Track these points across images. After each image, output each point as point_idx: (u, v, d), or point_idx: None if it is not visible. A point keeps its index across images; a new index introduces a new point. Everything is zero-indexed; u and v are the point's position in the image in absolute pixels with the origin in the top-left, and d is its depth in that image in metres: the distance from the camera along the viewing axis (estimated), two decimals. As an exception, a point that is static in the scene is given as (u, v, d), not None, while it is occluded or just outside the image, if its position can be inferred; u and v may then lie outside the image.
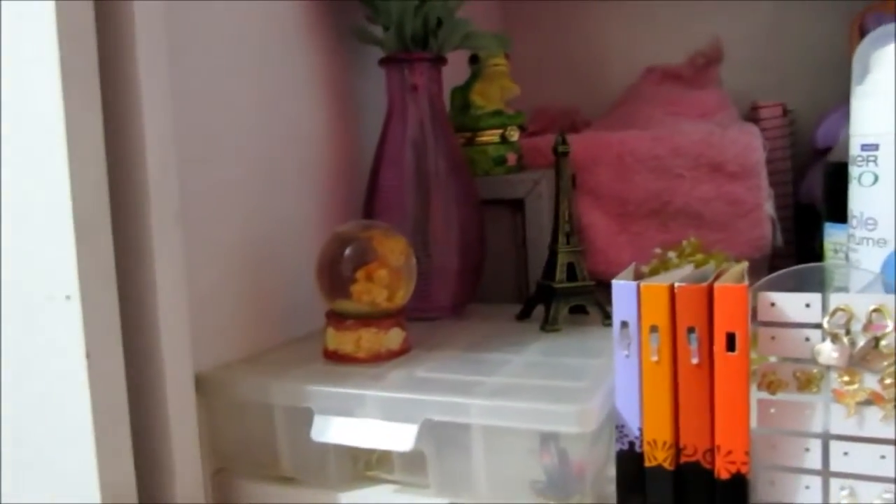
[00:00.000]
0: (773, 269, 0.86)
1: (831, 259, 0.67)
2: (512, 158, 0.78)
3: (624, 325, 0.43)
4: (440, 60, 0.67)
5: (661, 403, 0.42)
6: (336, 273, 0.54)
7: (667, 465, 0.43)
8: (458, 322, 0.66)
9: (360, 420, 0.47)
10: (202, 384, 0.52)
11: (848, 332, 0.42)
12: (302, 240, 0.64)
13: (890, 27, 0.59)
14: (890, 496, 0.41)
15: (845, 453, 0.42)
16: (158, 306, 0.47)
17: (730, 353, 0.41)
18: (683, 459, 0.43)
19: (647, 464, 0.43)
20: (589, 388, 0.46)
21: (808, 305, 0.43)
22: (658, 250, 0.78)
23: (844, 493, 0.42)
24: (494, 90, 0.78)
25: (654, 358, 0.42)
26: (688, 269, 0.49)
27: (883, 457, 0.41)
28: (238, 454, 0.52)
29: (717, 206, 0.82)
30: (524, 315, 0.65)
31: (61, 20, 0.41)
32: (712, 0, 1.07)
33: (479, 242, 0.69)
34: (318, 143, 0.67)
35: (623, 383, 0.44)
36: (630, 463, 0.44)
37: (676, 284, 0.42)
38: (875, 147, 0.56)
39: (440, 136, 0.67)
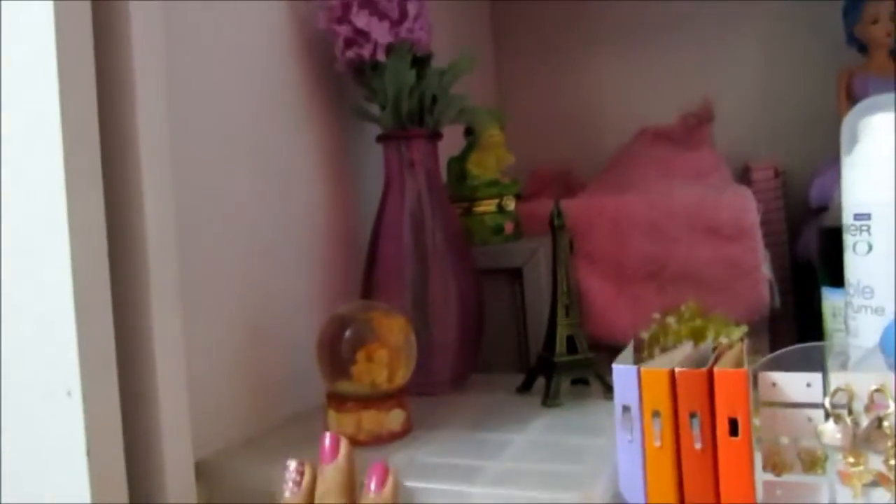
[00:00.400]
0: (772, 330, 0.86)
1: (830, 323, 0.67)
2: (509, 227, 0.79)
3: (626, 409, 0.43)
4: (436, 136, 0.68)
5: (666, 489, 0.42)
6: (336, 354, 0.54)
7: (674, 552, 0.42)
8: (459, 396, 0.66)
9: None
10: (203, 470, 0.51)
11: (850, 412, 0.42)
12: (300, 314, 0.64)
13: (876, 98, 0.60)
14: (901, 581, 0.41)
15: (853, 536, 0.42)
16: (159, 394, 0.47)
17: (733, 438, 0.41)
18: (690, 546, 0.42)
19: (654, 551, 0.43)
20: (591, 473, 0.45)
21: (809, 385, 0.43)
22: (657, 315, 0.78)
23: (855, 578, 0.42)
24: (490, 160, 0.80)
25: (658, 443, 0.42)
26: (686, 348, 0.49)
27: (892, 540, 0.41)
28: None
29: (714, 268, 0.82)
30: (525, 387, 0.65)
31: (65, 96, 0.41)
32: (705, 60, 1.09)
33: (478, 313, 0.69)
34: (316, 216, 0.68)
35: (626, 468, 0.44)
36: (637, 549, 0.43)
37: (677, 370, 0.42)
38: (867, 216, 0.57)
39: (437, 209, 0.67)
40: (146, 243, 0.47)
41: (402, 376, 0.55)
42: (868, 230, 0.57)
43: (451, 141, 0.82)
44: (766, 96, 1.05)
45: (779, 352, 0.50)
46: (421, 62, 0.67)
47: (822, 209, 0.89)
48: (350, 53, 0.64)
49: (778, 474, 0.43)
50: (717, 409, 0.41)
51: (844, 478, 0.42)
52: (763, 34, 1.05)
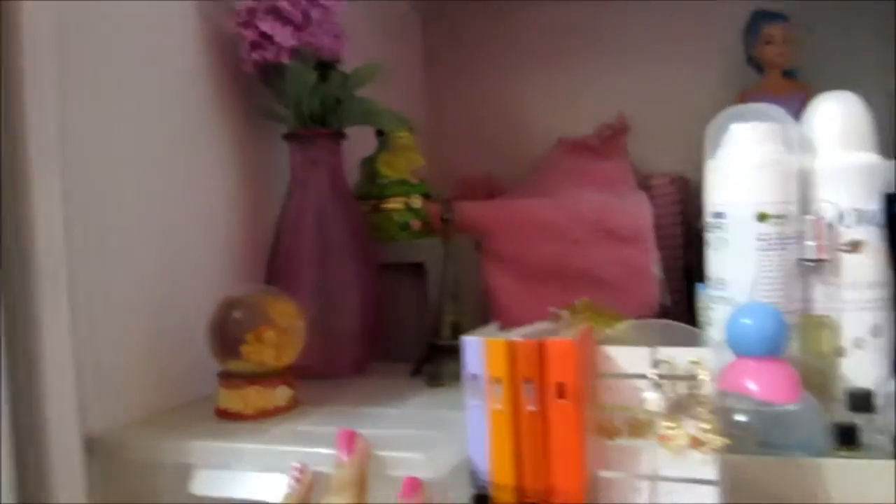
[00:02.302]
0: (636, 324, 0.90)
1: (703, 316, 0.72)
2: (416, 224, 0.83)
3: (474, 377, 0.48)
4: (340, 136, 0.72)
5: (505, 449, 0.47)
6: (226, 334, 0.58)
7: (512, 508, 0.47)
8: (357, 380, 0.70)
9: (239, 473, 0.50)
10: (94, 446, 0.54)
11: (670, 382, 0.47)
12: (205, 304, 0.67)
13: (736, 109, 0.66)
14: (708, 531, 0.45)
15: (670, 493, 0.47)
16: (45, 370, 0.50)
17: (561, 401, 0.45)
18: (525, 500, 0.46)
19: (495, 506, 0.47)
20: (446, 438, 0.50)
21: (638, 358, 0.48)
22: (553, 310, 0.83)
23: (671, 529, 0.46)
24: (400, 161, 0.84)
25: (498, 407, 0.47)
26: (543, 325, 0.54)
27: (702, 496, 0.46)
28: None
29: (611, 268, 0.88)
30: (416, 372, 0.69)
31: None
32: (621, 77, 1.15)
33: (378, 305, 0.73)
34: (224, 209, 0.72)
35: (474, 431, 0.48)
36: (482, 506, 0.48)
37: (515, 340, 0.47)
38: (723, 215, 0.63)
39: (340, 206, 0.72)
40: (33, 231, 0.49)
41: (290, 356, 0.59)
42: (724, 228, 0.63)
43: (372, 142, 0.87)
44: (675, 111, 1.10)
45: (622, 326, 0.55)
46: (326, 66, 0.71)
47: (718, 216, 0.95)
48: (256, 55, 0.68)
49: (610, 439, 0.48)
50: (548, 375, 0.46)
51: (663, 441, 0.47)
52: (673, 53, 1.11)
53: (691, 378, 0.47)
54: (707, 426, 0.46)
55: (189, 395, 0.64)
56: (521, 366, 0.46)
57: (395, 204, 0.83)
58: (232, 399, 0.57)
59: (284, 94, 0.70)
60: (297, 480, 0.48)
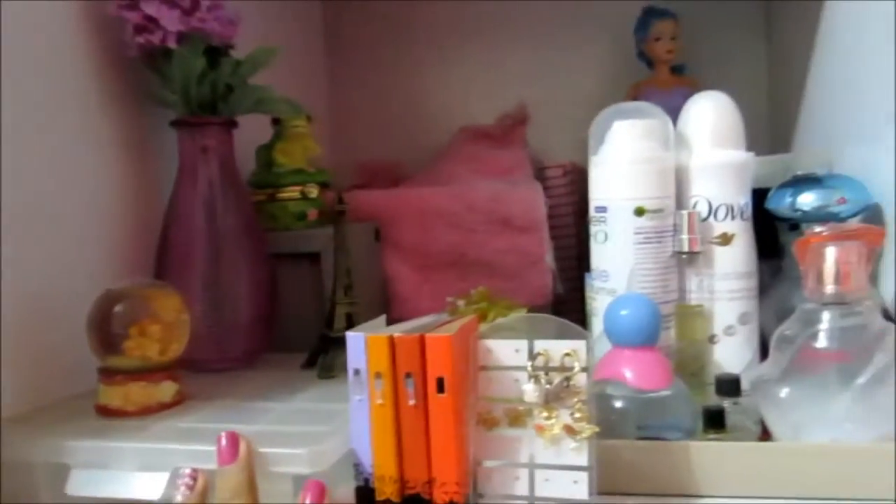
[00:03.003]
0: (557, 314, 0.94)
1: (590, 305, 0.75)
2: (313, 214, 0.83)
3: (356, 372, 0.48)
4: (231, 124, 0.71)
5: (387, 442, 0.47)
6: (107, 329, 0.56)
7: (394, 499, 0.47)
8: (247, 372, 0.69)
9: (116, 472, 0.49)
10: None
11: (546, 374, 0.49)
12: (87, 296, 0.65)
13: (619, 106, 0.68)
14: (579, 515, 0.48)
15: (546, 480, 0.48)
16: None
17: (440, 395, 0.46)
18: (407, 492, 0.47)
19: (378, 497, 0.48)
20: (330, 432, 0.50)
21: (517, 351, 0.50)
22: (450, 299, 0.84)
23: (546, 515, 0.48)
24: (296, 149, 0.83)
25: (380, 401, 0.47)
26: (428, 319, 0.55)
27: (576, 482, 0.48)
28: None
29: (506, 257, 0.90)
30: (309, 364, 0.69)
31: None
32: (522, 68, 1.17)
33: (269, 295, 0.72)
34: (108, 198, 0.69)
35: (357, 425, 0.48)
36: (366, 498, 0.48)
37: (395, 335, 0.47)
38: (605, 209, 0.65)
39: (231, 196, 0.70)
40: None
41: (175, 350, 0.58)
42: (605, 221, 0.65)
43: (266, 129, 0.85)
44: (572, 102, 1.13)
45: (504, 319, 0.57)
46: (216, 52, 0.69)
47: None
48: (140, 39, 0.66)
49: (489, 429, 0.50)
50: (428, 369, 0.47)
51: (539, 430, 0.49)
52: (572, 45, 1.14)
53: (566, 369, 0.48)
54: (580, 415, 0.48)
55: (67, 392, 0.62)
56: (401, 360, 0.47)
57: (290, 193, 0.82)
58: (112, 395, 0.56)
59: (171, 80, 0.68)
60: (190, 487, 0.47)
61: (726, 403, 0.59)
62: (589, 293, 0.73)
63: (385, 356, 0.47)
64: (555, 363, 0.49)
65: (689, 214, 0.64)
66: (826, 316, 0.56)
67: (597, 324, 0.66)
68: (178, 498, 0.46)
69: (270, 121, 0.84)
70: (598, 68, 1.13)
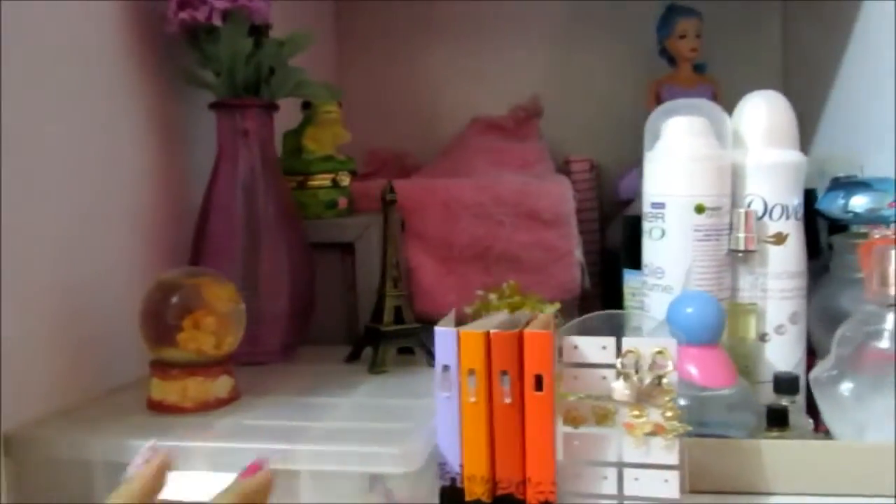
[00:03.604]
0: (582, 309, 0.93)
1: (629, 301, 0.74)
2: (343, 202, 0.80)
3: (445, 368, 0.47)
4: (272, 107, 0.68)
5: (479, 441, 0.46)
6: (161, 321, 0.54)
7: (485, 499, 0.46)
8: (288, 366, 0.67)
9: (186, 472, 0.47)
10: (10, 444, 0.49)
11: (637, 372, 0.48)
12: (124, 285, 0.62)
13: (675, 102, 0.68)
14: (672, 516, 0.47)
15: (636, 479, 0.48)
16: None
17: (538, 393, 0.45)
18: (499, 492, 0.46)
19: (467, 498, 0.46)
20: (412, 429, 0.48)
21: (604, 348, 0.49)
22: (480, 292, 0.83)
23: (636, 514, 0.48)
24: (326, 136, 0.81)
25: (472, 399, 0.46)
26: (502, 315, 0.53)
27: (666, 481, 0.47)
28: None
29: (533, 251, 0.89)
30: (353, 357, 0.67)
31: None
32: (533, 60, 1.16)
33: (308, 286, 0.70)
34: (143, 185, 0.66)
35: (444, 423, 0.47)
36: (452, 498, 0.47)
37: (492, 331, 0.46)
38: (662, 206, 0.64)
39: (271, 182, 0.68)
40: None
41: (230, 343, 0.55)
42: (662, 218, 0.64)
43: (287, 115, 0.82)
44: (587, 98, 1.13)
45: (583, 317, 0.56)
46: (258, 31, 0.66)
47: (630, 202, 0.98)
48: (184, 15, 0.63)
49: (575, 427, 0.49)
50: (525, 367, 0.45)
51: (629, 429, 0.48)
52: (587, 39, 1.13)
53: (658, 367, 0.48)
54: (671, 413, 0.48)
55: (108, 385, 0.59)
56: (497, 357, 0.46)
57: (321, 181, 0.79)
58: (168, 390, 0.53)
59: (214, 60, 0.64)
60: (147, 461, 0.41)
61: (784, 402, 0.60)
62: (630, 289, 0.73)
63: (480, 352, 0.46)
64: (645, 361, 0.48)
65: (747, 213, 0.64)
66: (890, 317, 0.56)
67: (648, 320, 0.66)
68: (130, 471, 0.42)
69: (301, 106, 0.81)
70: (610, 64, 1.13)
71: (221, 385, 0.55)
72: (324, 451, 0.46)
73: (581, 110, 1.13)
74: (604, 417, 0.48)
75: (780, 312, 0.65)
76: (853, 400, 0.56)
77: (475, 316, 0.81)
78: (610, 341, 0.49)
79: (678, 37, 0.99)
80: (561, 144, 1.09)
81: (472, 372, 0.46)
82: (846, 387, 0.57)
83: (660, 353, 0.48)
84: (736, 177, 0.66)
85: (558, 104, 1.10)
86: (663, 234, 0.65)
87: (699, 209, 0.63)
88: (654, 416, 0.48)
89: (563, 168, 0.98)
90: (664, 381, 0.48)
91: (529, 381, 0.45)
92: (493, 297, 0.81)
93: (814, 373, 0.60)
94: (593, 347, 0.49)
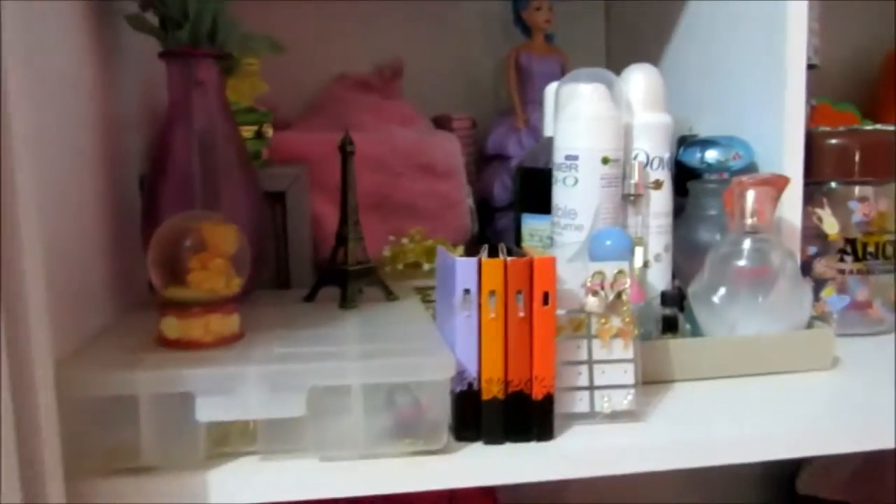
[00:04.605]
0: (468, 251, 1.04)
1: (528, 241, 0.87)
2: (266, 153, 0.83)
3: (466, 291, 0.55)
4: (227, 57, 0.69)
5: (496, 350, 0.56)
6: (176, 262, 0.55)
7: (500, 396, 0.56)
8: (252, 308, 0.70)
9: (245, 396, 0.51)
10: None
11: (602, 288, 0.61)
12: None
13: (581, 71, 0.80)
14: (632, 398, 0.61)
15: (603, 372, 0.61)
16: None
17: (545, 307, 0.56)
18: (511, 389, 0.56)
19: (484, 397, 0.56)
20: (436, 345, 0.57)
21: (577, 271, 0.61)
22: (392, 238, 0.91)
23: (605, 401, 0.60)
24: (246, 87, 0.82)
25: (492, 315, 0.55)
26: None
27: (625, 371, 0.61)
28: (87, 451, 0.51)
29: (428, 200, 0.98)
30: (310, 297, 0.72)
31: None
32: (393, 20, 1.22)
33: (265, 232, 0.73)
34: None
35: (463, 337, 0.56)
36: (469, 400, 0.56)
37: (508, 259, 0.55)
38: (576, 158, 0.77)
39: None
40: None
41: (238, 283, 0.59)
42: (576, 168, 0.77)
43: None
44: (446, 58, 1.22)
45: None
46: (208, -19, 0.67)
47: (497, 156, 1.11)
48: (148, -39, 0.62)
49: (557, 335, 0.60)
50: (535, 286, 0.56)
51: (599, 333, 0.60)
52: (448, 6, 1.21)
53: (617, 285, 0.61)
54: (628, 319, 0.61)
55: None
56: (512, 280, 0.55)
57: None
58: (191, 327, 0.55)
59: (175, 8, 0.65)
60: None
61: (668, 312, 0.76)
62: (531, 230, 0.86)
63: (500, 276, 0.55)
64: (608, 280, 0.61)
65: (638, 164, 0.79)
66: (747, 242, 0.75)
67: (559, 254, 0.79)
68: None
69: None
70: (469, 28, 1.23)
71: (235, 321, 0.58)
72: (377, 365, 0.52)
73: (438, 70, 1.22)
74: (578, 326, 0.61)
75: (658, 244, 0.81)
76: (723, 305, 0.74)
77: (393, 258, 0.89)
78: (583, 265, 0.61)
79: (534, 8, 1.12)
80: (422, 103, 1.17)
81: (492, 293, 0.55)
82: (718, 296, 0.74)
83: (619, 272, 0.61)
84: (625, 134, 0.80)
85: (417, 64, 1.18)
86: (576, 181, 0.78)
87: (605, 161, 0.77)
88: (616, 322, 0.61)
89: (444, 125, 1.07)
90: (622, 296, 0.61)
91: (538, 298, 0.56)
92: (405, 241, 0.90)
93: (691, 288, 0.78)
94: (572, 271, 0.60)
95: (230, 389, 0.51)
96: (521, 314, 0.56)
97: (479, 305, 0.55)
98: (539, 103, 0.93)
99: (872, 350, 0.81)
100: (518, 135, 1.08)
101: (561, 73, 1.13)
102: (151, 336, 0.57)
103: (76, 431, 0.49)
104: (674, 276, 0.85)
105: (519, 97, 1.10)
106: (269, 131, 0.83)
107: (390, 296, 0.73)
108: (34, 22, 0.52)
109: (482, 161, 1.14)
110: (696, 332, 0.77)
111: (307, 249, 0.83)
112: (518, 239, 0.89)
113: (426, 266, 0.83)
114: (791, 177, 0.79)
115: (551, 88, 0.85)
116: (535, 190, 0.85)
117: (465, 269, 0.55)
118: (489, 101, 1.21)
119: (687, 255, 0.84)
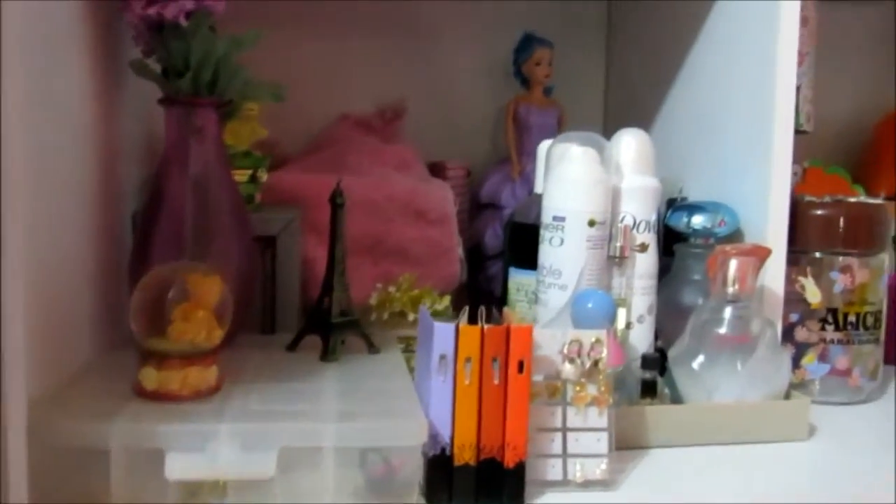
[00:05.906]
0: (457, 300, 1.05)
1: (514, 295, 0.88)
2: (259, 197, 0.84)
3: (442, 357, 0.56)
4: (226, 104, 0.71)
5: (471, 416, 0.56)
6: (158, 312, 0.56)
7: (472, 463, 0.57)
8: (235, 354, 0.71)
9: (215, 454, 0.51)
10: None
11: (579, 356, 0.61)
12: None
13: (571, 134, 0.82)
14: (605, 467, 0.61)
15: (576, 440, 0.61)
16: None
17: (520, 375, 0.57)
18: (483, 456, 0.57)
19: (456, 463, 0.57)
20: (410, 408, 0.57)
21: (555, 337, 0.61)
22: (379, 285, 0.92)
23: (578, 469, 0.61)
24: (245, 132, 0.84)
25: (467, 381, 0.56)
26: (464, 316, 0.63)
27: (598, 440, 0.61)
28: (55, 498, 0.51)
29: (419, 246, 0.99)
30: (294, 346, 0.73)
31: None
32: (400, 61, 1.23)
33: (254, 276, 0.74)
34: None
35: (438, 402, 0.56)
36: (441, 465, 0.57)
37: (486, 326, 0.56)
38: (563, 219, 0.78)
39: (223, 178, 0.71)
40: None
41: (219, 335, 0.59)
42: (563, 229, 0.78)
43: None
44: (448, 104, 1.23)
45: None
46: (213, 30, 0.69)
47: (490, 205, 1.12)
48: (151, 11, 0.64)
49: (532, 401, 0.61)
50: (510, 354, 0.56)
51: (574, 401, 0.61)
52: (451, 53, 1.23)
53: (594, 353, 0.61)
54: (604, 388, 0.62)
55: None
56: (489, 347, 0.56)
57: (240, 176, 0.82)
58: (169, 379, 0.56)
59: (178, 57, 0.66)
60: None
61: (648, 375, 0.77)
62: (517, 284, 0.87)
63: (476, 344, 0.56)
64: (585, 348, 0.61)
65: (625, 227, 0.80)
66: (728, 310, 0.76)
67: (542, 312, 0.79)
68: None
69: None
70: (471, 75, 1.24)
71: (213, 373, 0.59)
72: (349, 428, 0.53)
73: (441, 115, 1.23)
74: (554, 392, 0.61)
75: (641, 305, 0.82)
76: (703, 371, 0.75)
77: (379, 306, 0.90)
78: (560, 333, 0.61)
79: (534, 63, 1.14)
80: (422, 147, 1.19)
81: (468, 359, 0.56)
82: (697, 362, 0.75)
83: (597, 340, 0.62)
84: (614, 197, 0.82)
85: (419, 108, 1.20)
86: (562, 241, 0.79)
87: (591, 223, 0.78)
88: (592, 390, 0.61)
89: (438, 172, 1.08)
90: (599, 364, 0.62)
91: (514, 366, 0.56)
92: (392, 289, 0.91)
93: (672, 352, 0.78)
94: (549, 338, 0.61)
95: (201, 447, 0.51)
96: (496, 381, 0.56)
97: (455, 371, 0.56)
98: (535, 154, 0.94)
99: (848, 420, 0.82)
100: (512, 185, 1.10)
101: (558, 125, 1.15)
102: (129, 381, 0.58)
103: (45, 477, 0.50)
104: (657, 336, 0.86)
105: (516, 147, 1.12)
106: (263, 176, 0.84)
107: (372, 348, 0.73)
108: (39, 55, 0.53)
109: (475, 208, 1.15)
110: (675, 395, 0.77)
111: (295, 294, 0.84)
112: (504, 292, 0.90)
113: (411, 316, 0.84)
114: (775, 245, 0.80)
115: (544, 147, 0.86)
116: (525, 245, 0.85)
117: (442, 334, 0.56)
118: (486, 147, 1.23)
119: (671, 316, 0.85)
